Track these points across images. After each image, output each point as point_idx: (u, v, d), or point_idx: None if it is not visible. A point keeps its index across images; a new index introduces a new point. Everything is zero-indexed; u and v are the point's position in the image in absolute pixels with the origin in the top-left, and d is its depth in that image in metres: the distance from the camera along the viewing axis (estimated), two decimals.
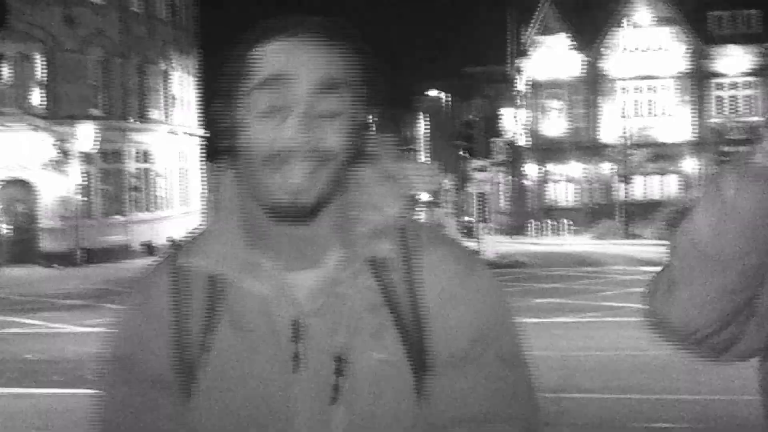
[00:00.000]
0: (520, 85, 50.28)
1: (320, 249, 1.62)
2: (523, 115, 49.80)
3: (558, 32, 47.54)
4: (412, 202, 1.71)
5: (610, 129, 47.07)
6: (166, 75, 41.97)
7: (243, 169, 1.60)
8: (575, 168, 47.57)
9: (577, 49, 47.65)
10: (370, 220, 1.64)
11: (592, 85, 47.93)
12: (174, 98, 42.47)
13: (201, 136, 42.80)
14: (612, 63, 47.71)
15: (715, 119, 47.53)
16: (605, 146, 46.48)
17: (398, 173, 1.69)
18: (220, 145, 1.63)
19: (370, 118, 1.64)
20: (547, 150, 47.77)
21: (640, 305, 1.81)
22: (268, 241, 1.63)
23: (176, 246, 1.71)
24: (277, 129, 1.55)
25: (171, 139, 41.21)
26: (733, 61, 47.67)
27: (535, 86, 48.18)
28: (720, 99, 47.96)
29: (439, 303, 1.62)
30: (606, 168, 46.12)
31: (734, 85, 47.94)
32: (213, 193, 1.69)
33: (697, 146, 47.08)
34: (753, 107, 47.16)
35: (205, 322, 1.63)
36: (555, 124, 48.62)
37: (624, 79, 47.20)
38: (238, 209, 1.65)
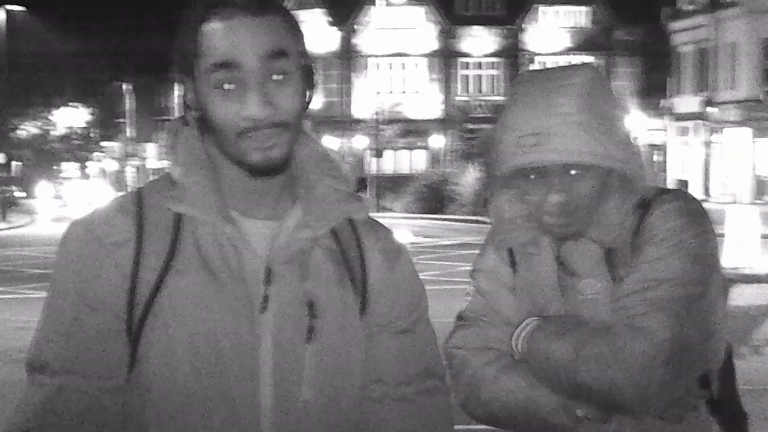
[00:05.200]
0: None
1: (277, 202, 1.78)
2: None
3: (313, 7, 47.87)
4: (358, 180, 1.86)
5: (363, 104, 48.00)
6: None
7: (214, 137, 1.73)
8: (329, 142, 48.02)
9: (332, 24, 48.19)
10: (331, 185, 1.81)
11: (347, 60, 48.66)
12: None
13: None
14: (365, 39, 48.58)
15: (461, 97, 49.37)
16: (358, 121, 47.34)
17: (332, 153, 1.86)
18: (190, 115, 1.77)
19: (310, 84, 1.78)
20: None
21: None
22: (235, 193, 1.76)
23: (141, 188, 1.79)
24: (239, 106, 1.68)
25: None
26: (478, 41, 49.60)
27: None
28: (465, 78, 49.84)
29: (380, 271, 1.84)
30: (359, 142, 47.02)
31: (479, 65, 49.93)
32: (174, 149, 1.78)
33: (444, 123, 48.74)
34: (495, 87, 49.31)
35: (166, 262, 1.71)
36: None
37: (377, 56, 48.14)
38: (206, 164, 1.76)
